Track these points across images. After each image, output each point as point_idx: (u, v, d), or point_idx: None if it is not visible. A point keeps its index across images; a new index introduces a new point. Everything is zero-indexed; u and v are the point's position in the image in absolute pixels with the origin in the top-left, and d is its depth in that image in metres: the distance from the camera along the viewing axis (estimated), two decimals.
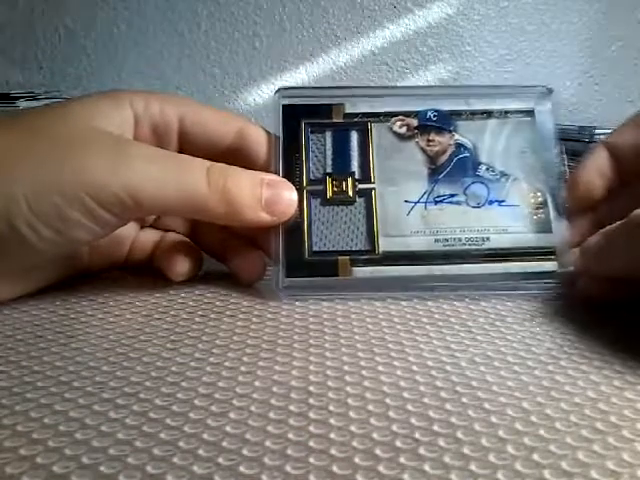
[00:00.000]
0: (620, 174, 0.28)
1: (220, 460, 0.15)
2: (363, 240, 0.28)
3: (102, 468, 0.15)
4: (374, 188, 0.28)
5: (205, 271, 0.30)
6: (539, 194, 0.29)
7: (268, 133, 0.28)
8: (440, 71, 0.72)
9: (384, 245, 0.27)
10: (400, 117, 0.29)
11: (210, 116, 0.27)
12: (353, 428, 0.16)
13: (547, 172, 0.29)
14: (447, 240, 0.28)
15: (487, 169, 0.29)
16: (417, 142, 0.29)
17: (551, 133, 0.30)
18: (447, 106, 0.30)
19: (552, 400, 0.18)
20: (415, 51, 0.72)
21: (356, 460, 0.15)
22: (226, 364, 0.20)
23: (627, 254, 0.22)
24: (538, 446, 0.16)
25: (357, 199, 0.28)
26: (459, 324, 0.24)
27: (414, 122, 0.29)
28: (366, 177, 0.29)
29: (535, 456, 0.15)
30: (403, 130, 0.29)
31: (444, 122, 0.29)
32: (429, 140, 0.29)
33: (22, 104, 0.54)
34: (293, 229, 0.27)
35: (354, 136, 0.29)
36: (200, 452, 0.15)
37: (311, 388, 0.19)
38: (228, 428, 0.16)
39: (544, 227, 0.28)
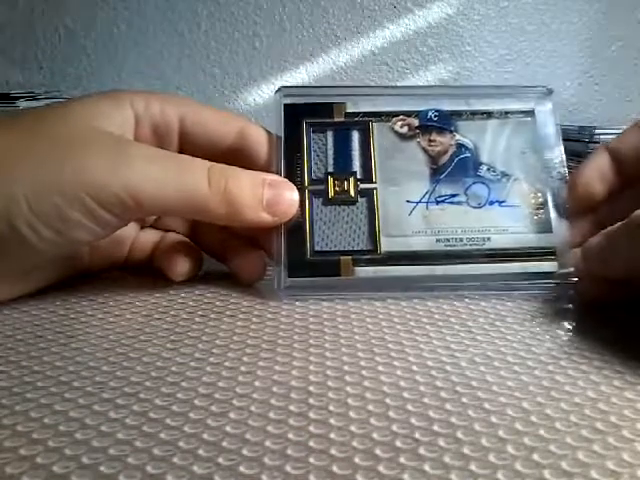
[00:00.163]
0: (621, 176, 0.28)
1: (220, 460, 0.15)
2: (365, 240, 0.28)
3: (102, 468, 0.15)
4: (376, 188, 0.28)
5: (205, 271, 0.30)
6: (539, 194, 0.29)
7: (269, 133, 0.28)
8: (440, 71, 0.72)
9: (386, 245, 0.27)
10: (401, 117, 0.29)
11: (210, 116, 0.27)
12: (353, 428, 0.16)
13: (547, 172, 0.29)
14: (448, 240, 0.28)
15: (488, 169, 0.29)
16: (418, 142, 0.29)
17: (551, 133, 0.30)
18: (448, 106, 0.30)
19: (552, 400, 0.18)
20: (415, 51, 0.72)
21: (356, 460, 0.15)
22: (226, 364, 0.20)
23: (628, 254, 0.22)
24: (538, 446, 0.16)
25: (359, 199, 0.28)
26: (459, 324, 0.24)
27: (415, 122, 0.29)
28: (368, 177, 0.28)
29: (535, 456, 0.15)
30: (404, 130, 0.29)
31: (445, 122, 0.29)
32: (430, 140, 0.29)
33: (22, 104, 0.54)
34: (295, 229, 0.27)
35: (355, 136, 0.29)
36: (200, 452, 0.15)
37: (311, 388, 0.19)
38: (228, 428, 0.16)
39: (544, 227, 0.28)
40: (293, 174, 0.28)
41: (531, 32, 0.72)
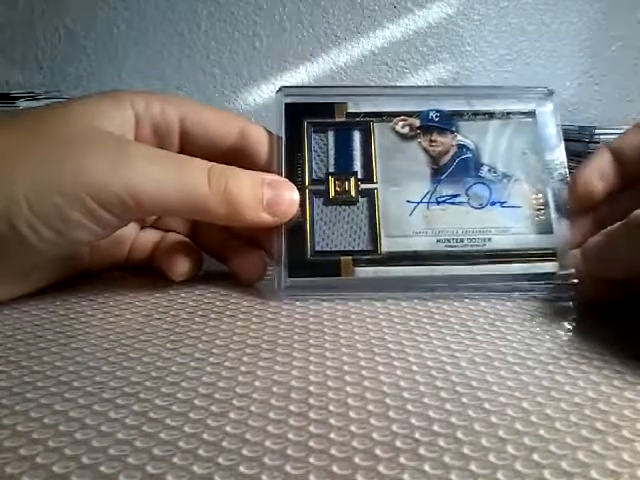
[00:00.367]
0: (623, 176, 0.28)
1: (220, 460, 0.15)
2: (366, 240, 0.28)
3: (102, 468, 0.15)
4: (377, 188, 0.28)
5: (205, 271, 0.30)
6: (540, 195, 0.29)
7: (269, 133, 0.28)
8: (440, 71, 0.72)
9: (387, 245, 0.27)
10: (402, 117, 0.29)
11: (211, 116, 0.27)
12: (353, 428, 0.16)
13: (548, 173, 0.29)
14: (449, 241, 0.28)
15: (489, 170, 0.29)
16: (419, 142, 0.29)
17: (552, 134, 0.30)
18: (449, 106, 0.30)
19: (552, 400, 0.18)
20: (415, 51, 0.72)
21: (356, 460, 0.15)
22: (226, 364, 0.20)
23: (627, 254, 0.22)
24: (538, 446, 0.16)
25: (360, 199, 0.28)
26: (459, 324, 0.24)
27: (416, 122, 0.29)
28: (369, 177, 0.28)
29: (535, 456, 0.15)
30: (405, 130, 0.29)
31: (446, 123, 0.29)
32: (431, 140, 0.29)
33: (22, 104, 0.54)
34: (295, 229, 0.27)
35: (356, 136, 0.29)
36: (200, 452, 0.15)
37: (311, 388, 0.19)
38: (228, 428, 0.16)
39: (545, 228, 0.28)
40: (294, 174, 0.28)
41: (531, 32, 0.72)
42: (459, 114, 0.30)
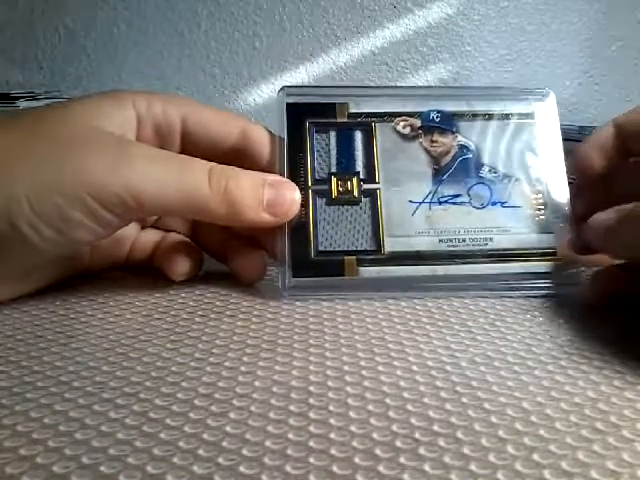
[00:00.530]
0: (625, 151, 0.28)
1: (220, 460, 0.15)
2: (369, 240, 0.28)
3: (102, 468, 0.15)
4: (379, 188, 0.28)
5: (205, 271, 0.30)
6: (540, 195, 0.29)
7: (271, 133, 0.28)
8: (440, 71, 0.72)
9: (389, 245, 0.27)
10: (403, 117, 0.29)
11: (211, 116, 0.27)
12: (353, 428, 0.16)
13: (548, 173, 0.29)
14: (451, 240, 0.28)
15: (489, 170, 0.29)
16: (421, 142, 0.29)
17: (552, 135, 0.30)
18: (449, 107, 0.30)
19: (552, 400, 0.18)
20: (415, 51, 0.72)
21: (356, 460, 0.15)
22: (226, 364, 0.20)
23: (635, 238, 0.22)
24: (538, 446, 0.16)
25: (362, 199, 0.28)
26: (459, 324, 0.24)
27: (417, 123, 0.29)
28: (371, 177, 0.29)
29: (535, 456, 0.15)
30: (407, 130, 0.29)
31: (447, 123, 0.29)
32: (433, 141, 0.29)
33: (22, 104, 0.54)
34: (299, 229, 0.27)
35: (358, 136, 0.29)
36: (200, 452, 0.15)
37: (311, 388, 0.19)
38: (228, 428, 0.16)
39: (545, 228, 0.28)
40: (296, 174, 0.28)
41: (531, 32, 0.72)
42: (460, 115, 0.30)
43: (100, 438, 0.16)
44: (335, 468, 0.15)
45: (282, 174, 0.27)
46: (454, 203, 0.28)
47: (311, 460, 0.15)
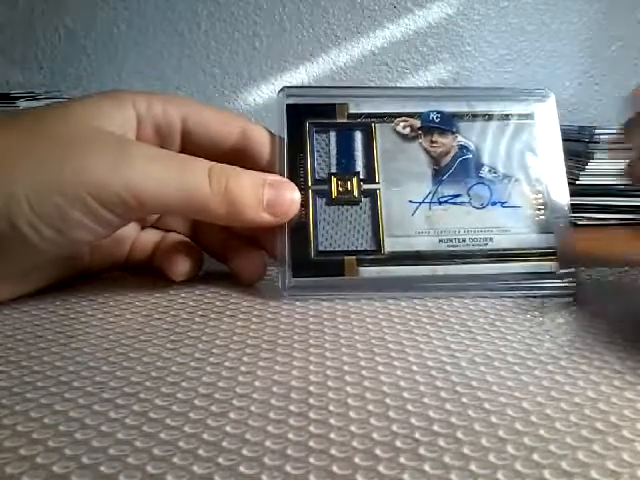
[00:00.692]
0: None
1: (220, 460, 0.15)
2: (369, 240, 0.28)
3: (102, 468, 0.15)
4: (379, 188, 0.28)
5: (205, 271, 0.30)
6: (540, 195, 0.29)
7: (271, 133, 0.28)
8: (440, 71, 0.72)
9: (389, 245, 0.27)
10: (403, 118, 0.29)
11: (211, 116, 0.27)
12: (353, 428, 0.16)
13: (548, 174, 0.29)
14: (451, 240, 0.28)
15: (489, 171, 0.29)
16: (420, 143, 0.29)
17: (551, 135, 0.30)
18: (449, 108, 0.30)
19: (552, 400, 0.18)
20: (415, 51, 0.72)
21: (356, 460, 0.15)
22: (226, 364, 0.20)
23: None
24: (538, 446, 0.16)
25: (362, 199, 0.28)
26: (459, 324, 0.24)
27: (417, 123, 0.29)
28: (371, 177, 0.29)
29: (535, 456, 0.15)
30: (407, 131, 0.29)
31: (447, 123, 0.29)
32: (432, 141, 0.29)
33: (22, 104, 0.54)
34: (299, 229, 0.27)
35: (358, 136, 0.29)
36: (200, 452, 0.15)
37: (311, 388, 0.19)
38: (228, 428, 0.16)
39: (545, 228, 0.28)
40: (296, 174, 0.28)
41: (531, 32, 0.72)
42: (459, 115, 0.30)
43: (100, 438, 0.16)
44: (335, 468, 0.15)
45: (282, 174, 0.27)
46: (454, 203, 0.28)
47: (311, 460, 0.15)
